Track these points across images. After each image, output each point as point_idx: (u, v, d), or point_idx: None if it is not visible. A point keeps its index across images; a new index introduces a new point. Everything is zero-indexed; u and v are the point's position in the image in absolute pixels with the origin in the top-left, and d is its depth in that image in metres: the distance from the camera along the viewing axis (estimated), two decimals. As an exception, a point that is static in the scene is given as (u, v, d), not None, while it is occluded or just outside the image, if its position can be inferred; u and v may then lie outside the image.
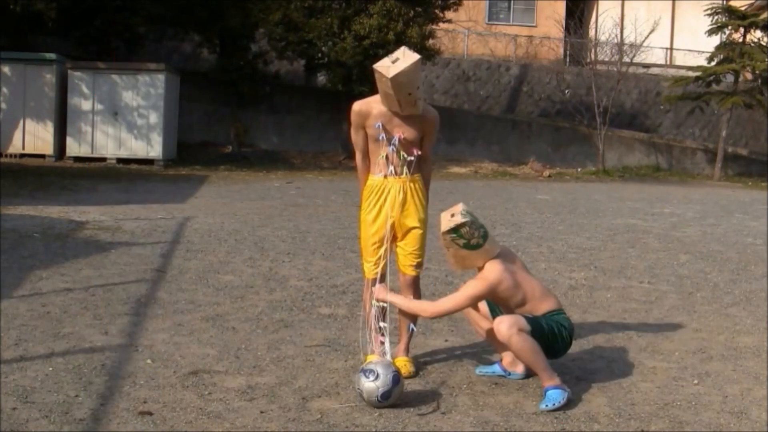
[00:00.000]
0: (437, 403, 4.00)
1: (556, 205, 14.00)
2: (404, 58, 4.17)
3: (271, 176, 17.96)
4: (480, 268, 4.26)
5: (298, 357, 4.69)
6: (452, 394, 4.16)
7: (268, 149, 22.92)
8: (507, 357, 4.47)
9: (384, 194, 4.45)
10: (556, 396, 4.00)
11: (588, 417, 3.92)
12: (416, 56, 4.19)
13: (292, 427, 3.66)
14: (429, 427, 3.73)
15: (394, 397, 3.89)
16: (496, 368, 4.50)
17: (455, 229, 4.17)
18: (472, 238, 4.17)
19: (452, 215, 4.23)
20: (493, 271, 4.18)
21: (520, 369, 4.45)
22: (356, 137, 4.50)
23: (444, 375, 4.47)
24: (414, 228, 4.47)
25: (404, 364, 4.37)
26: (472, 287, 4.20)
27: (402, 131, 4.36)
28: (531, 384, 4.35)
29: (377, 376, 3.86)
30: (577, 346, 4.93)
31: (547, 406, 3.97)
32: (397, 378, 3.91)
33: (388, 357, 4.30)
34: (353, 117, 4.44)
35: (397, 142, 4.36)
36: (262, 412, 3.82)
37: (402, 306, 4.41)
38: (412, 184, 4.46)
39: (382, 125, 4.35)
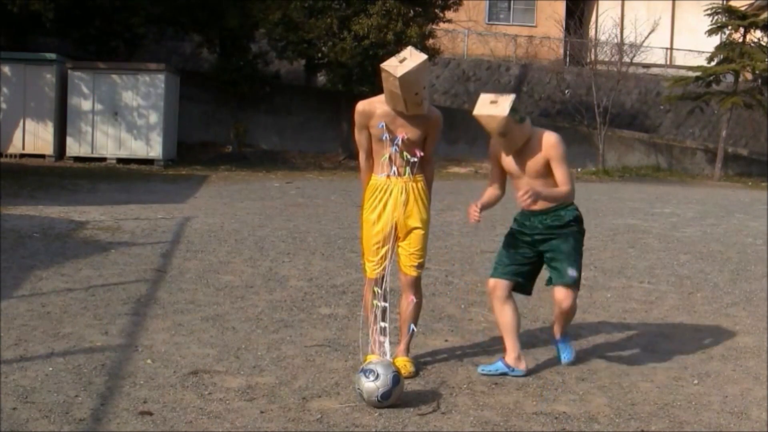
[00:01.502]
0: (437, 403, 4.01)
1: (556, 205, 13.97)
2: (412, 57, 4.18)
3: (271, 176, 17.95)
4: (524, 144, 4.41)
5: (298, 357, 4.69)
6: (452, 394, 4.16)
7: (268, 149, 22.91)
8: (511, 353, 4.48)
9: (387, 194, 4.45)
10: (569, 351, 4.67)
11: (588, 417, 3.93)
12: (423, 56, 4.20)
13: (292, 427, 3.66)
14: (429, 427, 3.73)
15: (394, 397, 3.90)
16: (499, 365, 4.49)
17: (513, 109, 4.29)
18: (520, 109, 4.37)
19: (492, 101, 4.33)
20: (552, 133, 4.45)
21: (522, 366, 4.47)
22: (360, 137, 4.50)
23: (444, 375, 4.47)
24: (416, 228, 4.47)
25: (404, 364, 4.37)
26: (557, 155, 4.37)
27: (405, 131, 4.37)
28: (531, 384, 4.36)
29: (377, 376, 3.87)
30: (577, 346, 4.93)
31: (568, 358, 4.65)
32: (397, 378, 3.92)
33: (388, 357, 4.30)
34: (357, 117, 4.45)
35: (400, 142, 4.37)
36: (262, 412, 3.83)
37: (549, 197, 4.39)
38: (414, 185, 4.46)
39: (386, 125, 4.36)
